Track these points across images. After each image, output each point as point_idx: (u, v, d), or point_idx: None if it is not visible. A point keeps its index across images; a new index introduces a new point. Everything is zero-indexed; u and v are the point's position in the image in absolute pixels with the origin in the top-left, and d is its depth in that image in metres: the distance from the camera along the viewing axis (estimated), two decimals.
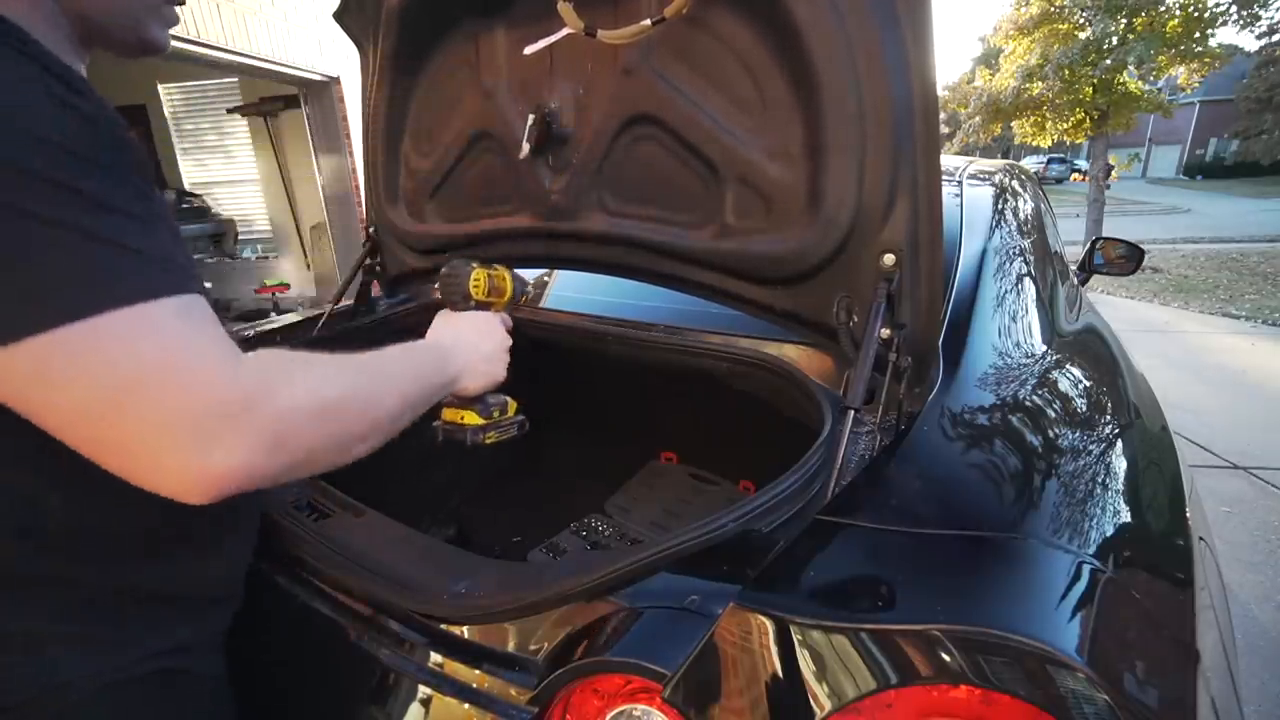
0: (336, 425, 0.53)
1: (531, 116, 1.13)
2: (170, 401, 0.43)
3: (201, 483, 0.44)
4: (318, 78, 5.13)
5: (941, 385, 0.87)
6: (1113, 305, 6.61)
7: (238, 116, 6.05)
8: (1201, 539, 0.88)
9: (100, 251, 0.43)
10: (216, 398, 0.44)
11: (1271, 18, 10.01)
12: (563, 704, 0.60)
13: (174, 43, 3.87)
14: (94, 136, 0.46)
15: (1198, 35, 8.34)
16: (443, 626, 0.69)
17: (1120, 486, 0.80)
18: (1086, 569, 0.60)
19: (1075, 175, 29.82)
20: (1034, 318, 1.15)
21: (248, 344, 1.34)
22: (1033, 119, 9.56)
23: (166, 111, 6.21)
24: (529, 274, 1.73)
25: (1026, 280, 1.22)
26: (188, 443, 0.43)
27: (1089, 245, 2.44)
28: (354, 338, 1.48)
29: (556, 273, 1.70)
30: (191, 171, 6.22)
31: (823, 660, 0.50)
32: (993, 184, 1.49)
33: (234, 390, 0.45)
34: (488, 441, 0.86)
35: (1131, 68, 8.33)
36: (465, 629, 0.68)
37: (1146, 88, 8.99)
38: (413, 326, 1.61)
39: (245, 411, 0.45)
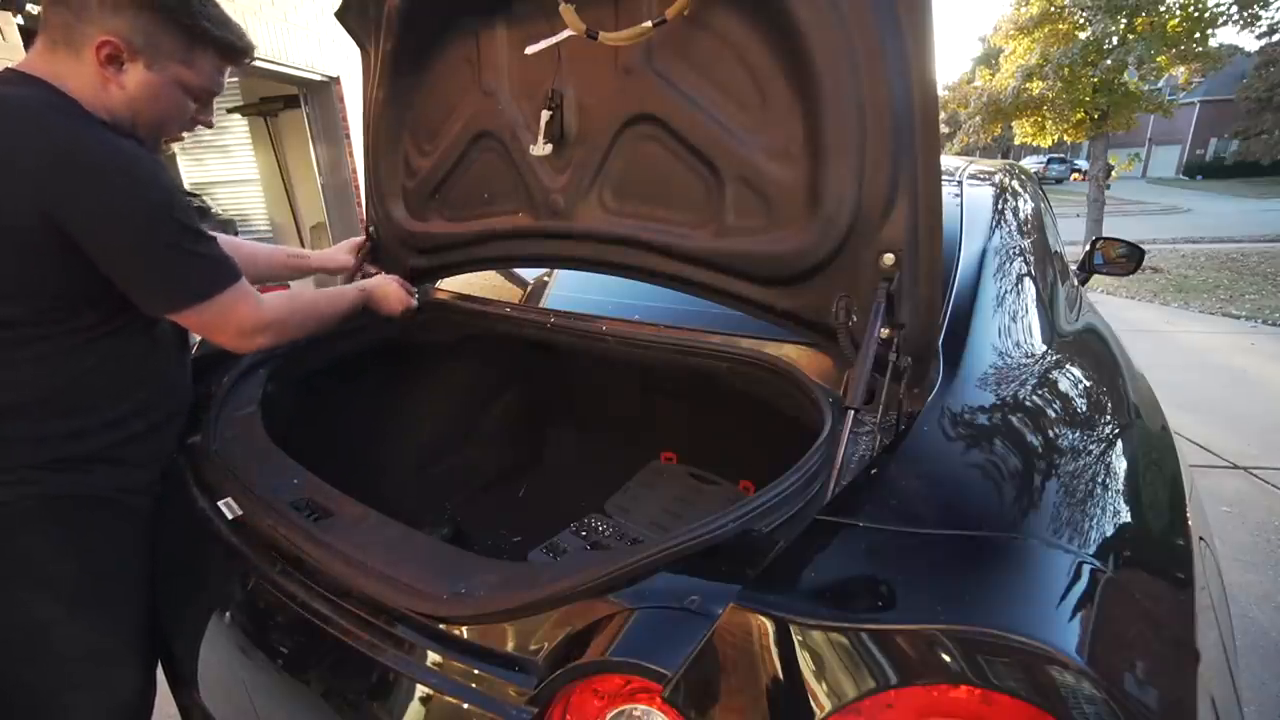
0: (302, 330, 1.10)
1: (547, 114, 1.13)
2: (245, 321, 0.97)
3: (249, 349, 1.01)
4: (318, 78, 5.13)
5: (941, 385, 0.87)
6: (1113, 305, 6.61)
7: (238, 116, 6.04)
8: (1202, 539, 0.88)
9: (206, 258, 0.93)
10: (253, 322, 0.98)
11: (1272, 18, 9.99)
12: (563, 704, 0.60)
13: None
14: (179, 192, 0.91)
15: (1198, 35, 8.33)
16: (443, 626, 0.69)
17: (1120, 486, 0.80)
18: (1086, 569, 0.60)
19: (1075, 175, 29.78)
20: (1034, 318, 1.15)
21: None
22: (1033, 119, 9.53)
23: None
24: (529, 274, 1.74)
25: (1026, 280, 1.22)
26: (242, 336, 0.98)
27: (1089, 245, 2.44)
28: (354, 337, 1.48)
29: (556, 272, 1.70)
30: (191, 171, 6.19)
31: (823, 660, 0.50)
32: (993, 184, 1.49)
33: (260, 320, 0.98)
34: None
35: (1132, 68, 8.32)
36: (465, 629, 0.68)
37: (1146, 88, 8.98)
38: (413, 326, 1.61)
39: (264, 327, 0.99)
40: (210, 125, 1.04)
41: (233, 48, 0.98)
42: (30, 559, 0.91)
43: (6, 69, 0.89)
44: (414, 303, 1.40)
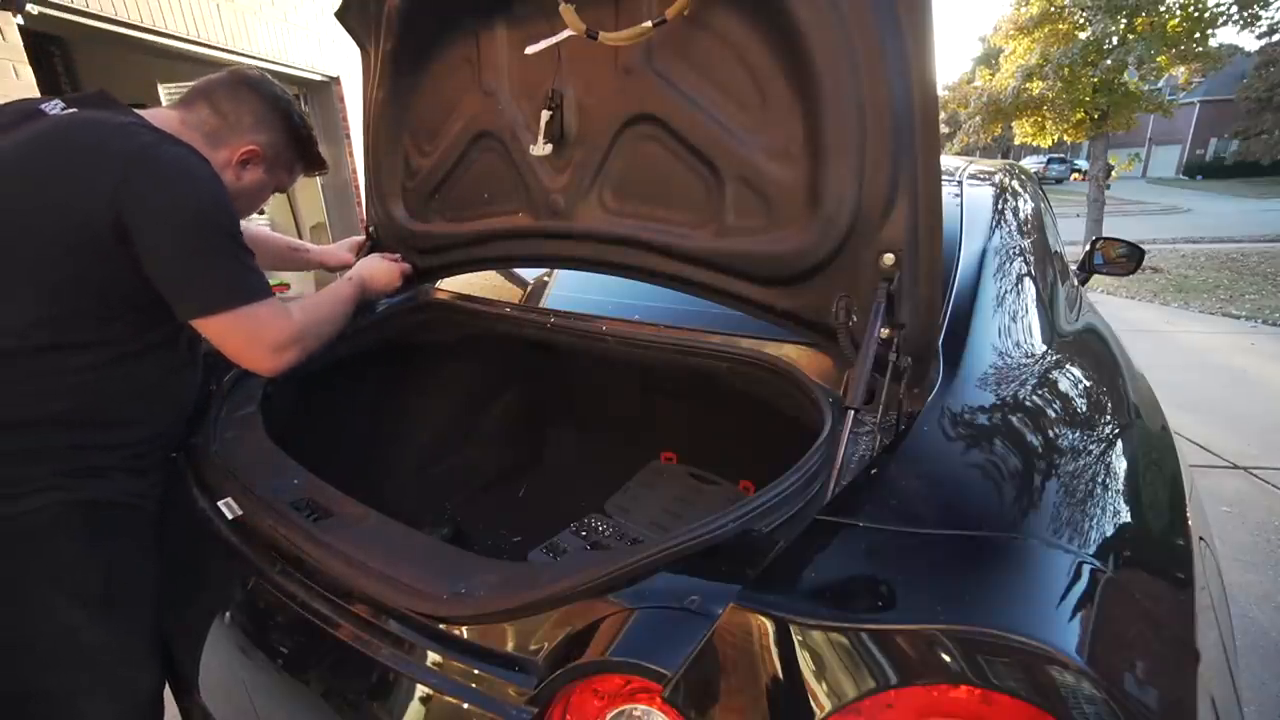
0: (321, 340, 1.09)
1: (547, 114, 1.13)
2: (280, 334, 0.98)
3: (279, 367, 0.99)
4: (318, 78, 5.12)
5: (941, 385, 0.87)
6: (1113, 305, 6.61)
7: None
8: (1202, 539, 0.88)
9: (251, 270, 0.97)
10: (287, 335, 0.99)
11: (1272, 18, 9.98)
12: (563, 704, 0.60)
13: (173, 42, 3.81)
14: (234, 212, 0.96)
15: (1198, 35, 8.33)
16: (443, 626, 0.69)
17: (1120, 486, 0.80)
18: (1086, 569, 0.60)
19: (1075, 175, 29.76)
20: (1034, 318, 1.15)
21: None
22: (1033, 119, 9.53)
23: None
24: (529, 274, 1.74)
25: (1026, 280, 1.22)
26: (276, 351, 0.98)
27: (1089, 245, 2.44)
28: (354, 338, 1.48)
29: (556, 272, 1.69)
30: None
31: (823, 660, 0.50)
32: (993, 184, 1.49)
33: (292, 332, 1.00)
34: None
35: (1132, 68, 8.32)
36: (465, 629, 0.68)
37: (1146, 88, 8.97)
38: (413, 326, 1.61)
39: (294, 341, 1.00)
40: (263, 213, 1.18)
41: (321, 163, 1.21)
42: (60, 564, 0.91)
43: (102, 92, 0.97)
44: (407, 268, 1.43)
